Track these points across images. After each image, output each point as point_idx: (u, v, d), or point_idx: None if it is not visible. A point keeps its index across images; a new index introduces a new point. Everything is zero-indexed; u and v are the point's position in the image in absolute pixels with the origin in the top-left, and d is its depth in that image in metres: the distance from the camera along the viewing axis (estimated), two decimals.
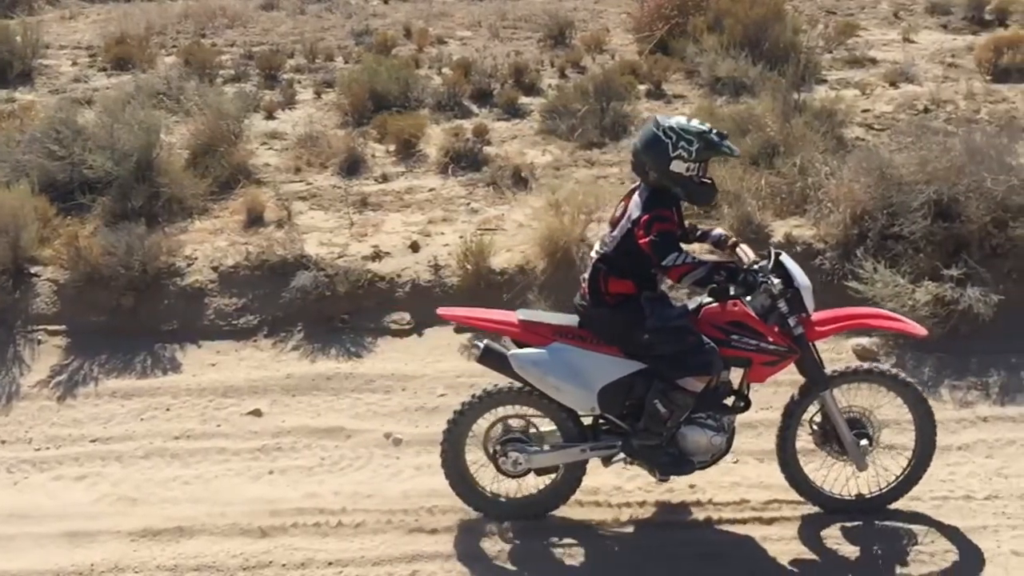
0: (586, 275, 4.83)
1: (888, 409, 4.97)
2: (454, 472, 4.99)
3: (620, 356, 4.75)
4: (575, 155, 8.33)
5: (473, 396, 4.94)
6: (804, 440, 5.00)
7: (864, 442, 4.87)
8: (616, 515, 5.10)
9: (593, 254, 4.83)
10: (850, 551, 4.87)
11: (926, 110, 8.64)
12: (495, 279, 6.82)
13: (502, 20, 12.08)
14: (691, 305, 4.82)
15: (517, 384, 4.85)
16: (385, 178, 8.07)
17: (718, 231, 5.08)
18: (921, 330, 4.90)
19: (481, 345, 4.88)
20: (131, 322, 6.72)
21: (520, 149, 8.43)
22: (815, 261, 6.68)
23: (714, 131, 4.63)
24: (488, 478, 5.02)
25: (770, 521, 5.05)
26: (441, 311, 5.18)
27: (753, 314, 4.70)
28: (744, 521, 5.06)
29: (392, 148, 8.45)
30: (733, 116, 8.11)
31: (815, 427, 4.97)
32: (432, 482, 5.39)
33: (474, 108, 9.28)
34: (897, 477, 4.99)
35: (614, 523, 5.06)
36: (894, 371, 5.01)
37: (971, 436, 5.53)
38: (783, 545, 4.90)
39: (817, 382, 4.83)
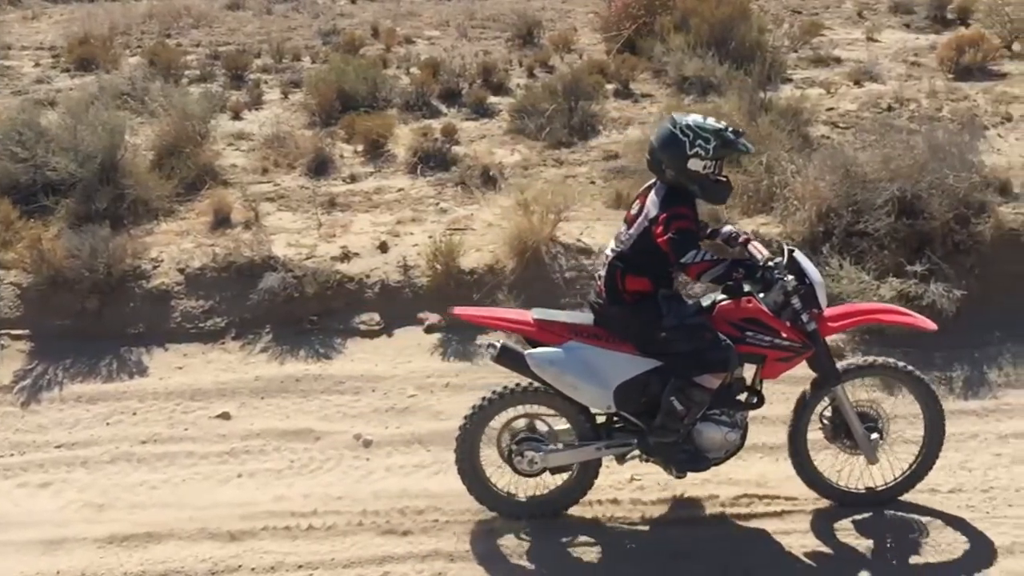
0: (602, 273, 4.85)
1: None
2: (469, 471, 4.98)
3: (636, 354, 4.77)
4: (544, 154, 8.34)
5: (488, 395, 4.93)
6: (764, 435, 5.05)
7: (875, 436, 4.93)
8: (587, 513, 5.11)
9: (608, 252, 4.84)
10: (823, 545, 4.92)
11: (890, 108, 8.74)
12: (465, 279, 6.81)
13: (470, 20, 12.07)
14: (705, 302, 4.85)
15: (532, 383, 4.86)
16: (353, 178, 8.03)
17: (728, 228, 5.12)
18: (931, 325, 4.95)
19: (497, 345, 4.88)
20: (96, 325, 6.65)
21: (489, 149, 8.43)
22: None
23: (730, 129, 4.67)
24: (501, 477, 5.01)
25: (742, 517, 5.08)
26: (455, 310, 5.20)
27: (767, 310, 4.74)
28: (716, 517, 5.10)
29: (360, 148, 8.41)
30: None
31: (825, 421, 5.02)
32: (403, 483, 5.39)
33: (443, 108, 9.26)
34: (904, 472, 5.06)
35: (585, 522, 5.06)
36: (905, 365, 5.05)
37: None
38: (755, 540, 4.94)
39: (829, 377, 4.87)
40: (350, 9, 13.34)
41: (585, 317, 4.93)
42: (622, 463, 5.02)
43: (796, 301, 4.71)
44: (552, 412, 4.95)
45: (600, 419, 4.94)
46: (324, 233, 7.27)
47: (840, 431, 4.98)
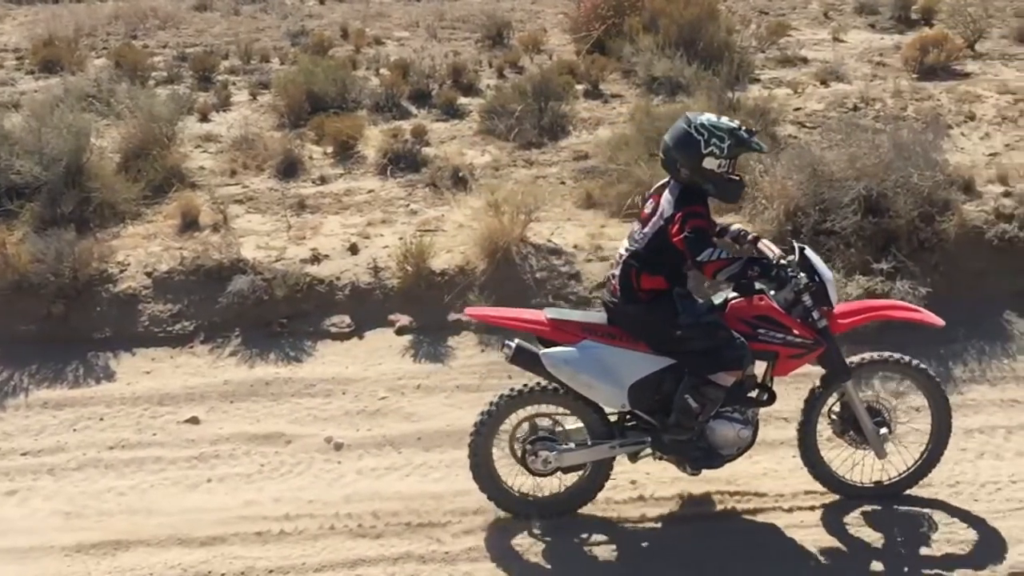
0: (616, 272, 4.86)
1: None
2: (483, 473, 4.97)
3: (649, 352, 4.80)
4: (514, 155, 8.34)
5: (501, 395, 4.94)
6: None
7: (884, 430, 5.00)
8: None
9: (622, 251, 4.86)
10: (795, 541, 4.95)
11: (855, 108, 8.83)
12: (435, 280, 6.81)
13: (440, 20, 12.05)
14: (717, 300, 4.89)
15: (545, 383, 4.88)
16: (323, 180, 7.99)
17: (737, 226, 5.15)
18: (939, 321, 5.05)
19: (513, 345, 4.89)
20: (62, 330, 6.57)
21: (459, 149, 8.42)
22: None
23: (743, 128, 4.72)
24: (514, 478, 5.02)
25: (712, 515, 5.11)
26: (469, 311, 5.31)
27: (779, 308, 4.79)
28: (689, 515, 5.12)
29: (330, 150, 8.37)
30: (669, 115, 8.15)
31: (833, 417, 5.09)
32: (375, 486, 5.38)
33: (412, 109, 9.24)
34: (910, 466, 5.13)
35: (555, 523, 5.05)
36: (913, 360, 5.11)
37: (902, 427, 5.64)
38: (728, 537, 4.97)
39: (839, 373, 4.93)
40: (319, 10, 13.27)
41: (599, 316, 4.96)
42: (635, 461, 5.05)
43: (807, 298, 4.77)
44: (564, 411, 4.97)
45: (612, 418, 4.97)
46: (294, 235, 7.23)
47: (848, 426, 5.04)
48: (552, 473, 4.96)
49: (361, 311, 6.71)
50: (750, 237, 5.02)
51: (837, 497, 5.17)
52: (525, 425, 4.97)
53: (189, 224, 7.30)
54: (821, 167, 7.04)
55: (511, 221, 6.93)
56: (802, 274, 4.75)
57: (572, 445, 4.93)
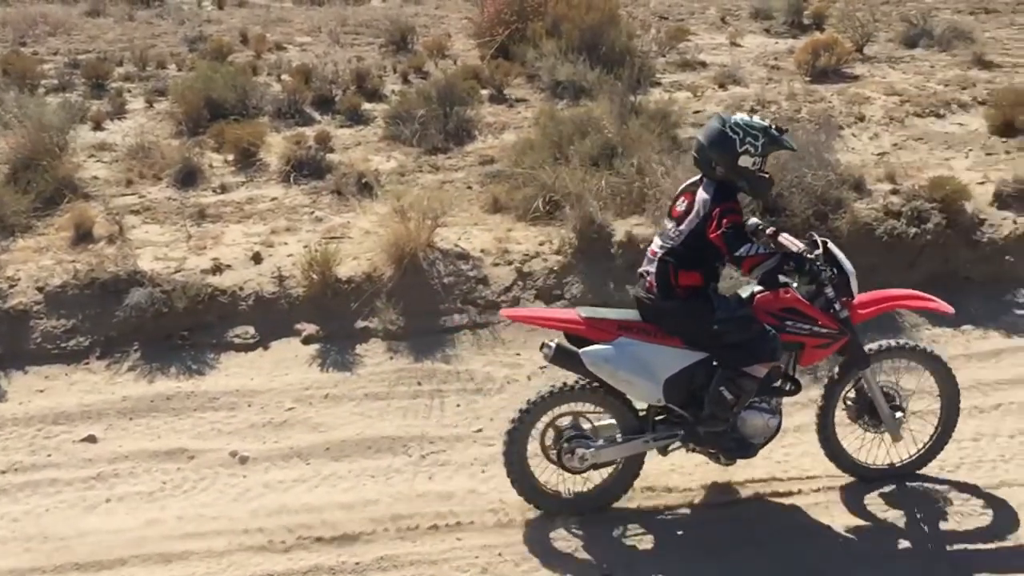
0: (650, 269, 4.91)
1: None
2: (518, 472, 4.98)
3: (683, 347, 4.88)
4: (420, 160, 8.32)
5: (536, 396, 4.96)
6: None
7: (899, 414, 5.18)
8: (472, 517, 5.10)
9: (656, 248, 4.91)
10: (709, 535, 5.04)
11: (752, 110, 9.06)
12: (342, 288, 6.72)
13: (343, 26, 11.95)
14: (743, 294, 5.00)
15: (579, 381, 4.92)
16: (224, 188, 7.82)
17: (753, 220, 5.26)
18: (950, 309, 5.28)
19: (552, 345, 4.93)
20: None
21: (364, 156, 8.35)
22: None
23: (774, 127, 4.85)
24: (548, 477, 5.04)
25: (632, 510, 5.15)
26: (504, 312, 5.59)
27: (804, 300, 4.93)
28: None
29: (231, 157, 8.20)
30: (573, 119, 8.29)
31: (848, 402, 5.26)
32: (282, 498, 5.27)
33: (316, 115, 9.13)
34: (921, 448, 5.32)
35: (468, 524, 5.05)
36: (926, 347, 5.36)
37: (804, 418, 5.79)
38: (641, 533, 5.03)
39: (858, 360, 5.10)
40: (217, 15, 13.03)
41: (631, 313, 5.02)
42: (665, 455, 5.13)
43: (830, 290, 4.93)
44: (596, 408, 5.01)
45: (641, 413, 5.03)
46: (194, 245, 7.05)
47: (863, 411, 5.23)
48: (587, 470, 5.01)
49: (266, 321, 6.58)
50: (769, 231, 5.17)
51: (744, 493, 5.29)
52: (557, 424, 5.01)
53: (83, 236, 7.05)
54: None
55: (418, 227, 6.90)
56: (827, 266, 4.94)
57: (601, 441, 4.99)
